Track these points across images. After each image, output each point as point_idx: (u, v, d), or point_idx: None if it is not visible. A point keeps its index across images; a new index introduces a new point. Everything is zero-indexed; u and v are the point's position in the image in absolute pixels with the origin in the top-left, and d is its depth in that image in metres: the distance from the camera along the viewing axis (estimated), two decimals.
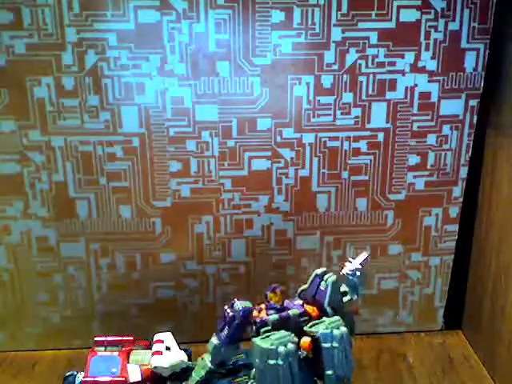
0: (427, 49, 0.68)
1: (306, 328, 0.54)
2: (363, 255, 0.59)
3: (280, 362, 0.51)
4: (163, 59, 0.66)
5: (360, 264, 0.58)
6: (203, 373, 0.57)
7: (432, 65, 0.68)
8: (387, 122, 0.70)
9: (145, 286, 0.75)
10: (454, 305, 0.81)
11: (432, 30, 0.67)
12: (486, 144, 0.73)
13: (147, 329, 0.77)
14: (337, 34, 0.66)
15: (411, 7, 0.66)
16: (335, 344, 0.52)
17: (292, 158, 0.71)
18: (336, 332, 0.53)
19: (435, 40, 0.67)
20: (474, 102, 0.70)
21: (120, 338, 0.63)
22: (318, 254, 0.76)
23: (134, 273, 0.74)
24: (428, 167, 0.73)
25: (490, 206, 0.72)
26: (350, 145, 0.71)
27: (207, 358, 0.57)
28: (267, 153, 0.71)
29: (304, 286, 0.59)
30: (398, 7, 0.66)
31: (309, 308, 0.57)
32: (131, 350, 0.62)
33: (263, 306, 0.56)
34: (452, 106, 0.70)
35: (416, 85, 0.69)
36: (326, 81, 0.68)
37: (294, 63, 0.67)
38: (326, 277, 0.57)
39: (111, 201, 0.71)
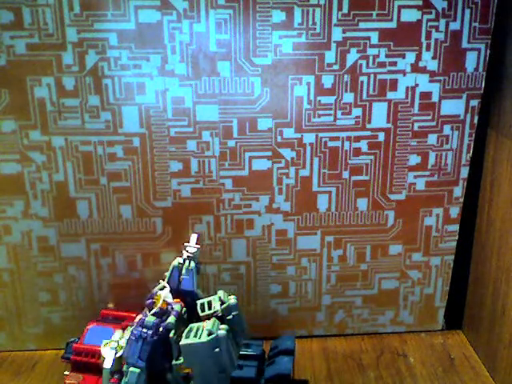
0: (428, 49, 0.68)
1: (202, 314, 0.54)
2: (194, 235, 0.61)
3: (224, 346, 0.51)
4: (164, 59, 0.66)
5: (196, 244, 0.60)
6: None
7: (433, 65, 0.68)
8: (388, 122, 0.70)
9: (145, 286, 0.75)
10: (455, 305, 0.81)
11: (433, 30, 0.67)
12: (487, 144, 0.73)
13: None
14: (337, 33, 0.66)
15: (412, 7, 0.66)
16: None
17: (292, 158, 0.71)
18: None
19: (436, 40, 0.67)
20: (474, 102, 0.70)
21: (126, 314, 0.66)
22: (319, 254, 0.76)
23: (134, 273, 0.74)
24: (429, 167, 0.73)
25: (491, 206, 0.72)
26: (350, 145, 0.71)
27: None
28: (268, 153, 0.71)
29: (161, 284, 0.58)
30: (399, 7, 0.66)
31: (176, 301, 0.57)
32: (127, 325, 0.59)
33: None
34: (453, 106, 0.70)
35: (417, 85, 0.69)
36: (327, 81, 0.68)
37: (294, 63, 0.67)
38: (186, 265, 0.58)
39: (112, 201, 0.71)
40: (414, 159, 0.72)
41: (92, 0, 0.63)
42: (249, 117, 0.69)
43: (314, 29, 0.66)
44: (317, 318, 0.79)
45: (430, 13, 0.66)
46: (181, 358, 0.51)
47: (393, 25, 0.67)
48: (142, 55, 0.66)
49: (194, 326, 0.52)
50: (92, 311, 0.75)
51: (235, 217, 0.73)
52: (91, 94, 0.67)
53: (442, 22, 0.67)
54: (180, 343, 0.50)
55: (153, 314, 0.52)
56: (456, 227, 0.76)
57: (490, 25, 0.67)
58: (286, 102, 0.69)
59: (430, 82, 0.69)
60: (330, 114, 0.70)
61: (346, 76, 0.68)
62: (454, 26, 0.67)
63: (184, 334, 0.51)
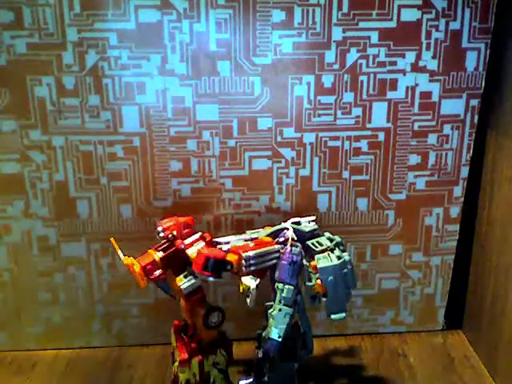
0: (428, 48, 0.68)
1: (318, 249, 0.62)
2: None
3: (349, 267, 0.60)
4: (164, 59, 0.66)
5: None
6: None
7: (433, 64, 0.68)
8: (388, 121, 0.70)
9: (145, 286, 0.75)
10: (455, 305, 0.81)
11: (433, 30, 0.67)
12: (487, 144, 0.73)
13: (148, 329, 0.77)
14: (337, 33, 0.66)
15: (412, 7, 0.66)
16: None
17: (293, 158, 0.71)
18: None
19: (436, 39, 0.67)
20: (474, 102, 0.70)
21: None
22: None
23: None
24: (429, 167, 0.73)
25: (491, 205, 0.72)
26: (350, 144, 0.71)
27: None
28: (268, 152, 0.71)
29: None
30: (399, 7, 0.66)
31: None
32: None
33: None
34: (453, 106, 0.70)
35: (417, 84, 0.69)
36: (327, 80, 0.68)
37: (294, 63, 0.67)
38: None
39: (112, 200, 0.71)
40: (414, 159, 0.72)
41: (92, 0, 0.64)
42: (249, 116, 0.69)
43: (314, 28, 0.66)
44: (317, 318, 0.79)
45: (430, 12, 0.66)
46: (312, 280, 0.60)
47: (393, 24, 0.67)
48: (142, 55, 0.66)
49: (320, 256, 0.61)
50: (92, 311, 0.75)
51: (235, 216, 0.73)
52: (91, 94, 0.67)
53: (442, 21, 0.67)
54: (318, 266, 0.59)
55: (292, 246, 0.61)
56: (456, 227, 0.76)
57: (489, 24, 0.67)
58: (286, 102, 0.69)
59: (430, 81, 0.69)
60: (330, 114, 0.70)
61: (345, 76, 0.68)
62: (454, 25, 0.67)
63: (316, 261, 0.60)
